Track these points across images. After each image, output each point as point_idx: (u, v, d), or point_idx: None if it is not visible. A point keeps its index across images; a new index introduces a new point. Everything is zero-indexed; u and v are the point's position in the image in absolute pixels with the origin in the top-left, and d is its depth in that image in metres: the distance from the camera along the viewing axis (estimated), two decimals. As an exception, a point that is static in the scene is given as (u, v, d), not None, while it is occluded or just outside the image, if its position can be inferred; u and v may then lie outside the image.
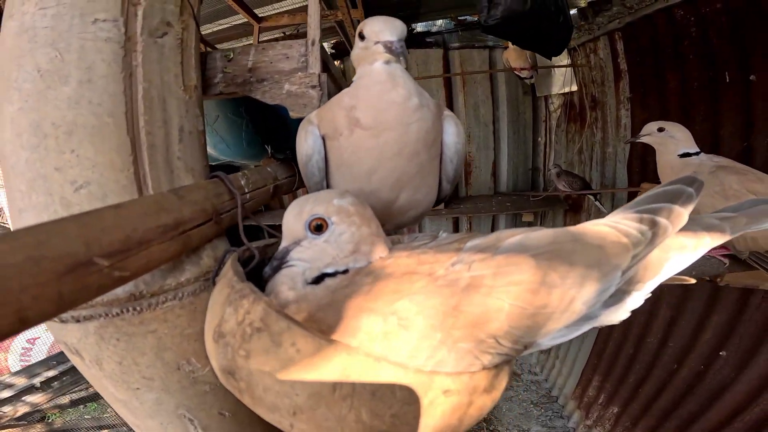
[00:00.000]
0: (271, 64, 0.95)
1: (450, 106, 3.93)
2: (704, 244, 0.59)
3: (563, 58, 3.36)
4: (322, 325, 0.49)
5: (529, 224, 4.29)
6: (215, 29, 3.04)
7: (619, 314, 0.57)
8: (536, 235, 0.54)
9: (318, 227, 0.58)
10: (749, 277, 1.51)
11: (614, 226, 0.56)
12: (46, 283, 0.38)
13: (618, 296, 0.56)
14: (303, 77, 0.90)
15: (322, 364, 0.44)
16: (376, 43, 0.67)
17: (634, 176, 3.15)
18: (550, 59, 2.68)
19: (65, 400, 4.42)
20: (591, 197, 3.27)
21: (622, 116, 3.21)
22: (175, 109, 0.71)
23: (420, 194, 0.74)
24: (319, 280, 0.58)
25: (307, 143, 0.74)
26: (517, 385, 4.21)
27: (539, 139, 4.18)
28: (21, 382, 2.62)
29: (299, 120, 0.89)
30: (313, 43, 0.94)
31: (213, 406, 0.78)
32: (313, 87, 0.89)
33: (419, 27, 3.90)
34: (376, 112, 0.67)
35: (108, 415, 4.42)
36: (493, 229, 4.46)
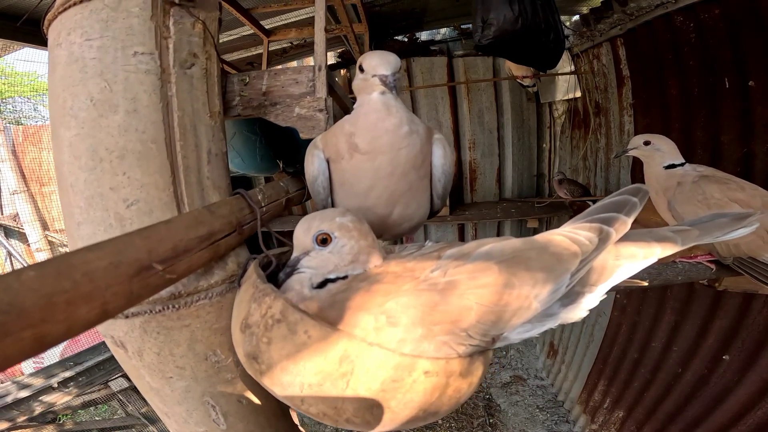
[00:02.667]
0: (283, 89, 1.08)
1: (454, 113, 4.06)
2: (654, 253, 0.70)
3: (566, 65, 3.45)
4: (326, 321, 0.62)
5: (534, 231, 4.38)
6: (224, 39, 3.19)
7: (576, 312, 0.69)
8: (502, 245, 0.67)
9: (324, 240, 0.71)
10: (747, 281, 1.58)
11: (567, 234, 0.68)
12: (122, 282, 0.51)
13: (573, 297, 0.68)
14: (311, 101, 1.04)
15: (328, 347, 0.57)
16: (373, 76, 0.81)
17: (638, 182, 3.20)
18: (545, 72, 2.78)
19: (77, 401, 4.59)
20: (591, 204, 3.34)
21: (625, 122, 3.28)
22: (204, 134, 0.85)
23: (411, 209, 0.88)
24: (323, 284, 0.71)
25: (313, 166, 0.88)
26: (523, 389, 4.29)
27: (544, 145, 4.27)
28: (38, 382, 2.75)
29: (308, 138, 1.03)
30: (320, 69, 1.08)
31: (233, 394, 0.92)
32: (320, 110, 1.02)
33: (423, 36, 4.04)
34: (372, 138, 0.80)
35: (118, 416, 4.57)
36: (498, 235, 4.55)
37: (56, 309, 0.42)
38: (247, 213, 0.86)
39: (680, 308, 2.96)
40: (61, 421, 4.81)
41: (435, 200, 0.94)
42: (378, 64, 0.80)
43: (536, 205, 3.93)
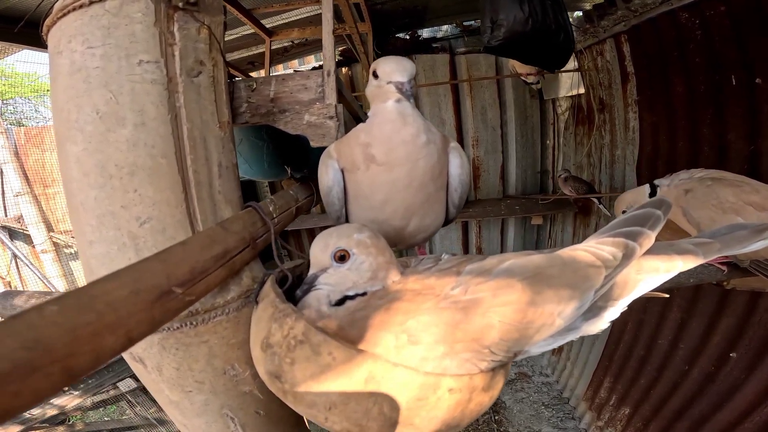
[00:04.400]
0: (291, 95, 1.06)
1: (457, 110, 4.03)
2: (676, 267, 0.69)
3: (570, 62, 3.42)
4: (347, 340, 0.61)
5: (539, 228, 4.37)
6: (227, 39, 3.16)
7: (598, 325, 0.68)
8: (524, 260, 0.66)
9: (342, 257, 0.70)
10: (756, 281, 1.57)
11: (590, 250, 0.67)
12: (144, 309, 0.50)
13: (595, 311, 0.67)
14: (321, 108, 1.02)
15: (353, 368, 0.57)
16: (388, 83, 0.79)
17: (643, 179, 3.19)
18: (553, 72, 2.75)
19: (87, 402, 4.63)
20: (595, 201, 3.34)
21: (630, 119, 3.26)
22: (214, 146, 0.83)
23: (428, 220, 0.86)
24: (341, 302, 0.70)
25: (328, 176, 0.86)
26: (528, 386, 4.30)
27: (547, 142, 4.25)
28: None
29: (318, 146, 1.01)
30: (329, 74, 1.05)
31: (251, 406, 0.91)
32: (331, 118, 1.00)
33: (425, 33, 4.00)
34: (389, 149, 0.78)
35: (126, 416, 4.60)
36: (502, 233, 4.55)
37: (82, 341, 0.41)
38: (260, 226, 0.84)
39: (687, 306, 2.95)
40: (71, 422, 4.85)
41: (450, 210, 0.92)
42: (393, 70, 0.78)
43: (540, 202, 3.91)
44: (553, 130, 4.17)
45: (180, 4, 0.75)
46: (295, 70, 4.42)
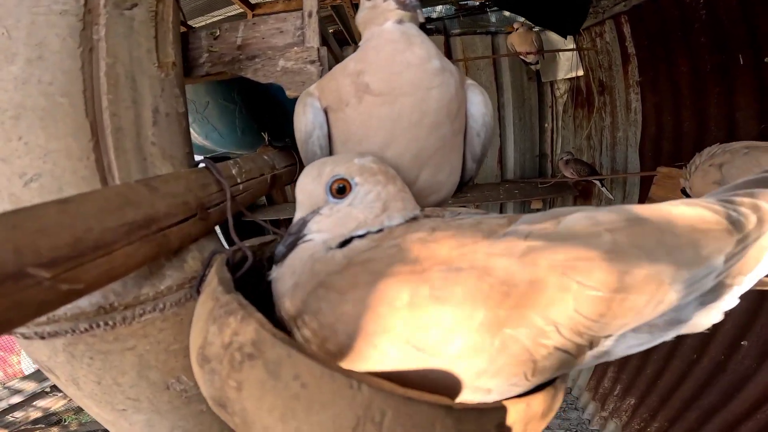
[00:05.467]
0: (263, 40, 0.84)
1: (453, 94, 3.81)
2: None
3: (568, 43, 3.22)
4: (339, 305, 0.39)
5: (538, 211, 4.19)
6: (209, 21, 2.91)
7: (712, 316, 0.45)
8: (604, 211, 0.43)
9: (340, 189, 0.51)
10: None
11: (707, 206, 0.44)
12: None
13: (717, 291, 0.44)
14: (300, 52, 0.79)
15: (337, 401, 0.33)
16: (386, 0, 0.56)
17: (647, 160, 3.04)
18: (566, 38, 2.54)
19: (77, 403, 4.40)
20: (597, 183, 3.16)
21: (632, 100, 3.11)
22: (148, 88, 0.60)
23: (443, 175, 0.63)
24: (346, 243, 0.49)
25: (306, 117, 0.62)
26: (529, 377, 4.13)
27: (546, 125, 4.05)
28: (31, 387, 2.63)
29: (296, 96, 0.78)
30: (310, 15, 0.83)
31: (212, 426, 0.69)
32: (312, 62, 0.78)
33: (419, 13, 3.75)
34: (390, 75, 0.55)
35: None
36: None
37: None
38: (215, 191, 0.61)
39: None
40: (66, 422, 4.62)
41: (469, 164, 0.69)
42: None
43: (540, 186, 3.72)
44: (552, 113, 3.96)
45: None
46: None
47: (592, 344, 0.41)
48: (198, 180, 0.58)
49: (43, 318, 0.50)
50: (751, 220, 0.42)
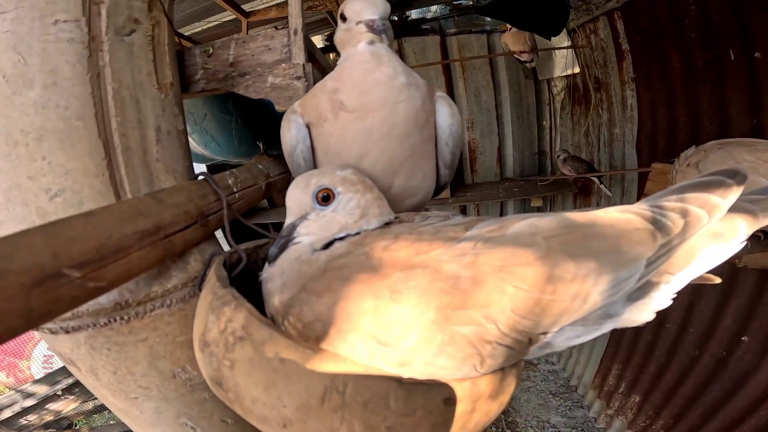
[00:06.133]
0: (253, 57, 0.93)
1: (450, 92, 3.88)
2: (739, 231, 0.53)
3: (563, 40, 3.30)
4: (317, 307, 0.47)
5: (539, 209, 4.25)
6: (205, 27, 3.01)
7: (643, 313, 0.52)
8: (547, 219, 0.51)
9: (325, 198, 0.59)
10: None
11: (635, 211, 0.51)
12: (12, 297, 0.36)
13: (645, 290, 0.51)
14: (287, 68, 0.88)
15: (308, 374, 0.42)
16: (358, 23, 0.65)
17: (644, 156, 3.10)
18: (550, 40, 2.62)
19: (89, 406, 4.51)
20: (596, 180, 3.22)
21: (627, 96, 3.16)
22: (150, 108, 0.69)
23: (415, 180, 0.72)
24: (329, 245, 0.58)
25: (290, 133, 0.72)
26: (534, 375, 4.18)
27: (544, 122, 4.12)
28: (43, 390, 2.71)
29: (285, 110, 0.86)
30: (295, 33, 0.92)
31: (214, 413, 0.77)
32: (298, 78, 0.86)
33: (413, 14, 3.83)
34: (361, 92, 0.64)
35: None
36: (501, 216, 4.41)
37: None
38: (213, 200, 0.70)
39: (694, 287, 2.82)
40: (77, 427, 4.73)
41: (442, 170, 0.77)
42: (363, 8, 0.65)
43: (539, 184, 3.78)
44: (550, 111, 4.04)
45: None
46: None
47: (531, 340, 0.48)
48: (198, 191, 0.67)
49: (68, 314, 0.59)
50: (678, 224, 0.48)
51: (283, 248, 0.59)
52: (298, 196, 0.61)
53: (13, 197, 0.59)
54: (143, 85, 0.69)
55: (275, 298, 0.54)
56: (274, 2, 2.76)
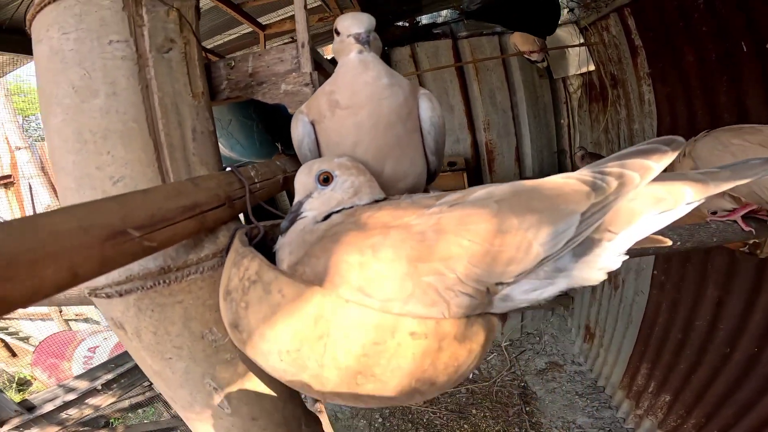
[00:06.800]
0: (268, 68, 1.09)
1: (465, 95, 4.00)
2: (683, 196, 0.60)
3: (574, 38, 3.35)
4: (312, 270, 0.60)
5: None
6: (226, 39, 3.24)
7: (593, 272, 0.61)
8: (501, 186, 0.62)
9: (326, 179, 0.74)
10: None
11: (577, 176, 0.62)
12: (92, 245, 0.51)
13: (587, 246, 0.60)
14: (297, 77, 1.04)
15: (302, 306, 0.55)
16: (348, 36, 0.80)
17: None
18: (545, 38, 2.69)
19: (125, 404, 4.82)
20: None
21: (644, 92, 3.18)
22: (187, 113, 0.86)
23: (404, 165, 0.85)
24: (328, 217, 0.72)
25: (298, 129, 0.88)
26: (560, 376, 4.16)
27: (562, 121, 4.16)
28: (84, 385, 2.89)
29: (296, 113, 1.02)
30: (303, 46, 1.07)
31: (233, 375, 0.91)
32: (306, 85, 1.02)
33: (424, 19, 3.97)
34: (352, 92, 0.79)
35: (164, 418, 4.76)
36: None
37: (19, 267, 0.42)
38: (238, 188, 0.85)
39: (723, 281, 2.81)
40: (113, 426, 5.06)
41: (429, 157, 0.91)
42: (351, 24, 0.80)
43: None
44: (567, 109, 4.08)
45: (146, -9, 0.79)
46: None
47: (489, 290, 0.58)
48: (226, 179, 0.82)
49: (123, 278, 0.75)
50: (613, 185, 0.58)
51: (292, 221, 0.73)
52: (303, 180, 0.76)
53: (84, 183, 0.76)
54: (181, 95, 0.86)
55: (284, 263, 0.68)
56: (288, 15, 2.97)
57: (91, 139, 0.75)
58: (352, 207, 0.72)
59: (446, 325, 0.57)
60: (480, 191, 0.63)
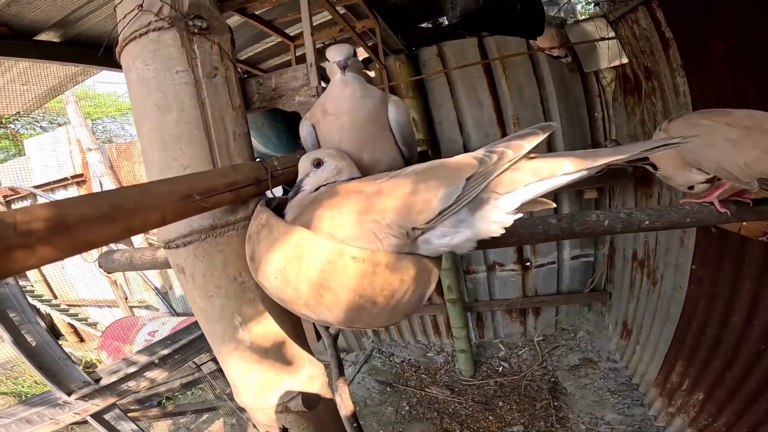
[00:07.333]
0: (286, 84, 1.50)
1: (493, 91, 4.23)
2: (562, 167, 0.85)
3: (602, 32, 3.47)
4: (304, 221, 0.99)
5: (595, 201, 4.35)
6: (259, 49, 3.62)
7: (490, 224, 0.89)
8: (423, 164, 0.97)
9: (318, 164, 1.12)
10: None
11: (473, 154, 0.94)
12: (174, 202, 0.93)
13: (480, 203, 0.91)
14: (307, 90, 1.44)
15: (288, 238, 0.92)
16: (333, 63, 1.18)
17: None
18: (536, 39, 2.85)
19: (176, 384, 5.55)
20: (650, 168, 3.31)
21: (679, 83, 3.21)
22: (230, 121, 1.28)
23: (377, 154, 1.22)
24: (317, 190, 1.09)
25: (303, 130, 1.28)
26: (593, 372, 4.26)
27: (596, 114, 4.24)
28: (143, 359, 3.41)
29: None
30: (311, 65, 1.47)
31: (255, 312, 1.30)
32: (313, 96, 1.42)
33: (445, 19, 4.19)
34: (336, 103, 1.18)
35: (209, 398, 5.44)
36: (555, 210, 4.59)
37: (137, 212, 0.84)
38: (264, 173, 1.27)
39: (758, 276, 2.85)
40: (164, 405, 5.83)
41: (402, 147, 1.27)
42: (335, 54, 1.18)
43: (595, 174, 3.90)
44: (601, 102, 4.16)
45: (196, 30, 1.21)
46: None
47: (408, 234, 0.91)
48: (255, 166, 1.23)
49: (187, 231, 1.19)
50: (493, 159, 0.91)
51: (296, 193, 1.13)
52: (304, 164, 1.15)
53: (165, 171, 1.20)
54: (225, 108, 1.28)
55: (288, 218, 1.08)
56: (316, 23, 3.36)
57: (169, 141, 1.20)
58: (334, 182, 1.10)
59: (379, 255, 0.87)
60: (410, 168, 0.98)
